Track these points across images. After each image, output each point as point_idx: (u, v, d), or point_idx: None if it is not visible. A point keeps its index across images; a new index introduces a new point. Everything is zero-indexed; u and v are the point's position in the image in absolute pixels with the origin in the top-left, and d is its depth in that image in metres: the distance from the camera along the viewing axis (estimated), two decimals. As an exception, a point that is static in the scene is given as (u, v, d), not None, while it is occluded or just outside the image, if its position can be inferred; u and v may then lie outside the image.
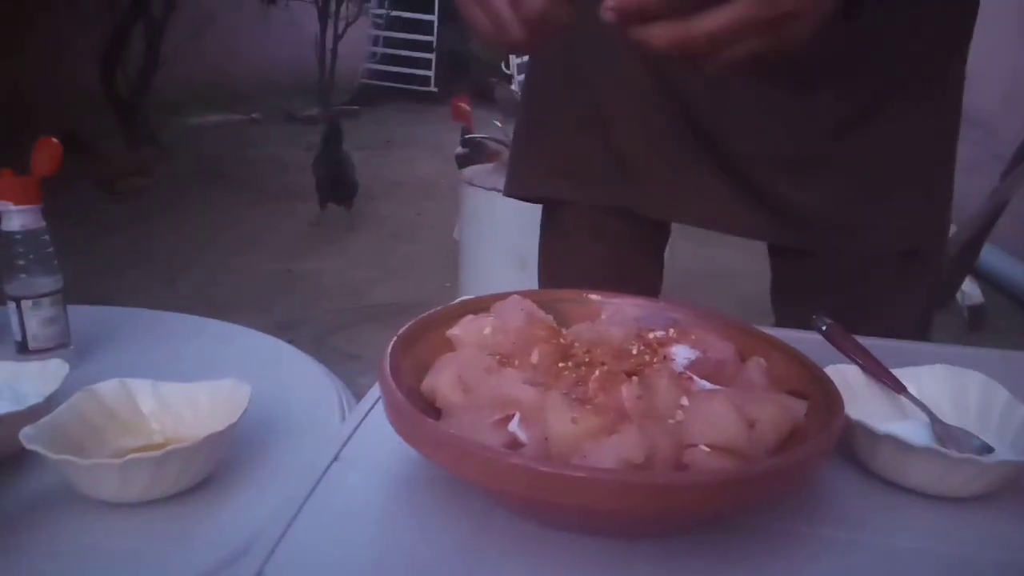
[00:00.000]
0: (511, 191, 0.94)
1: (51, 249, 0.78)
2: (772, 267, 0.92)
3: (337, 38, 6.81)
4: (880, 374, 0.59)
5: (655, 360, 0.53)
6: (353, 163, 3.88)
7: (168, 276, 3.14)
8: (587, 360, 0.53)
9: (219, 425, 0.60)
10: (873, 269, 0.84)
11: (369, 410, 0.58)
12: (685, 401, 0.48)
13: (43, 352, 0.77)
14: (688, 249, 3.03)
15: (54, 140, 0.77)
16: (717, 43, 0.52)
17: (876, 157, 0.81)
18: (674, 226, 0.96)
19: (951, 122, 0.83)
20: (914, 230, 0.83)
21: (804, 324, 0.69)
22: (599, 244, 0.91)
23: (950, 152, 0.84)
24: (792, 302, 0.91)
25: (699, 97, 0.81)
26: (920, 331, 0.87)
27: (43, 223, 0.77)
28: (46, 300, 0.77)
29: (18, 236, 0.76)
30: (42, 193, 0.77)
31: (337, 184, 3.75)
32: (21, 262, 0.76)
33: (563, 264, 0.94)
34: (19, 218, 0.75)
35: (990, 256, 3.12)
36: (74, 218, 3.47)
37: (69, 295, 0.91)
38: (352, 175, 3.82)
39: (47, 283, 0.77)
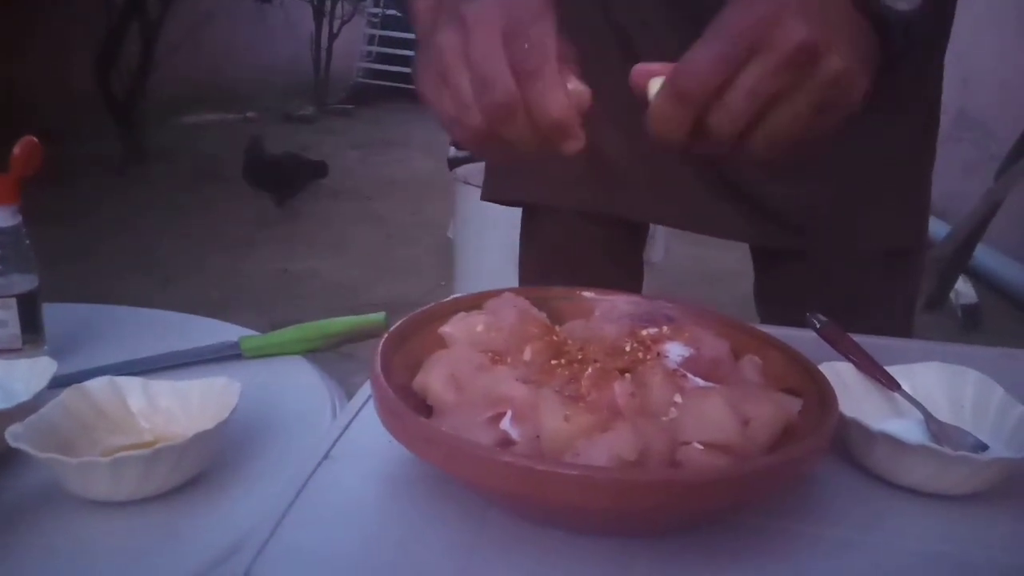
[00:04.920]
0: (489, 195, 0.93)
1: (28, 248, 0.77)
2: (755, 269, 0.92)
3: (332, 37, 6.80)
4: (874, 371, 0.59)
5: (648, 357, 0.53)
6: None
7: (163, 275, 3.13)
8: (580, 357, 0.52)
9: (209, 423, 0.60)
10: (857, 270, 0.84)
11: (360, 408, 0.58)
12: (679, 398, 0.48)
13: (15, 352, 0.76)
14: (683, 250, 3.03)
15: (34, 139, 0.76)
16: (754, 104, 0.46)
17: (859, 158, 0.81)
18: (669, 228, 0.96)
19: (930, 123, 0.84)
20: (897, 230, 0.84)
21: (788, 325, 0.69)
22: (576, 248, 0.91)
23: (930, 152, 0.85)
24: (776, 303, 0.91)
25: None
26: (904, 331, 0.88)
27: (19, 221, 0.76)
28: (22, 299, 0.76)
29: None
30: (20, 191, 0.76)
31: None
32: None
33: (541, 269, 0.94)
34: None
35: (984, 256, 3.12)
36: (67, 219, 3.46)
37: (62, 298, 0.90)
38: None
39: (23, 282, 0.76)
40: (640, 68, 0.50)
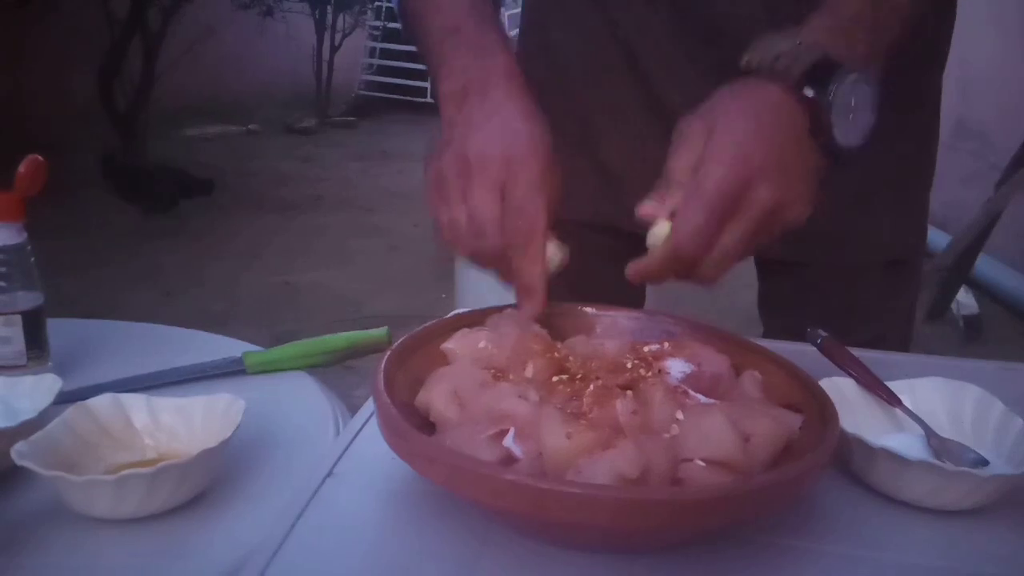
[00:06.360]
0: None
1: (33, 266, 0.77)
2: (759, 279, 0.93)
3: (334, 50, 6.83)
4: (875, 387, 0.59)
5: (650, 374, 0.53)
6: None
7: (165, 288, 3.13)
8: (581, 374, 0.53)
9: (213, 440, 0.60)
10: (859, 279, 0.85)
11: (363, 425, 0.58)
12: (680, 415, 0.48)
13: (19, 368, 0.76)
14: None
15: (40, 158, 0.76)
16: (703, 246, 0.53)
17: (862, 169, 0.82)
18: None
19: (930, 134, 0.85)
20: (898, 239, 0.85)
21: (792, 334, 0.70)
22: (584, 260, 0.91)
23: (929, 162, 0.86)
24: (779, 313, 0.91)
25: (684, 109, 0.81)
26: (905, 339, 0.88)
27: (25, 239, 0.76)
28: (27, 316, 0.76)
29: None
30: (26, 209, 0.76)
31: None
32: (1, 282, 0.75)
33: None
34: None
35: (985, 266, 3.12)
36: (68, 230, 3.46)
37: (65, 311, 0.90)
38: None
39: (28, 300, 0.77)
40: (645, 208, 0.60)
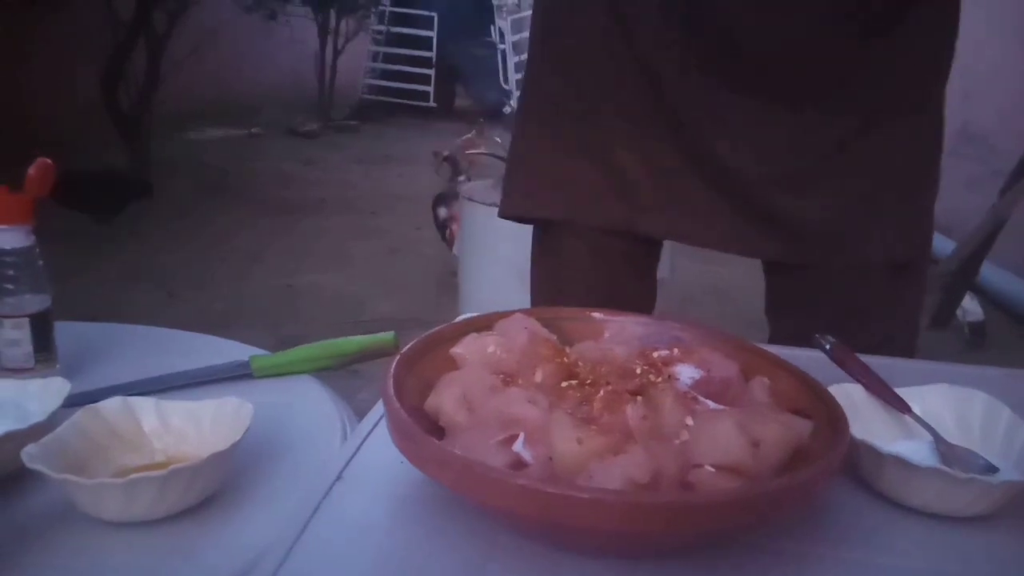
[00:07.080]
0: (507, 212, 0.94)
1: (41, 268, 0.77)
2: (767, 281, 0.93)
3: (337, 54, 6.84)
4: (884, 393, 0.60)
5: (659, 379, 0.53)
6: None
7: (168, 291, 3.13)
8: (591, 379, 0.53)
9: (222, 444, 0.60)
10: (866, 282, 0.86)
11: (372, 429, 0.58)
12: (690, 421, 0.48)
13: (27, 371, 0.76)
14: (690, 266, 3.03)
15: (49, 161, 0.77)
16: None
17: (869, 173, 0.82)
18: (675, 244, 0.97)
19: (935, 140, 0.86)
20: (904, 242, 0.85)
21: (798, 337, 0.70)
22: (593, 264, 0.92)
23: (934, 168, 0.87)
24: (786, 315, 0.92)
25: (697, 115, 0.82)
26: (910, 343, 0.89)
27: (33, 241, 0.77)
28: (35, 319, 0.76)
29: (8, 258, 0.75)
30: (35, 211, 0.76)
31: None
32: (9, 285, 0.75)
33: (557, 285, 0.95)
34: (8, 237, 0.75)
35: (990, 273, 3.12)
36: (70, 232, 3.47)
37: (69, 312, 0.90)
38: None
39: (35, 302, 0.77)
40: None
